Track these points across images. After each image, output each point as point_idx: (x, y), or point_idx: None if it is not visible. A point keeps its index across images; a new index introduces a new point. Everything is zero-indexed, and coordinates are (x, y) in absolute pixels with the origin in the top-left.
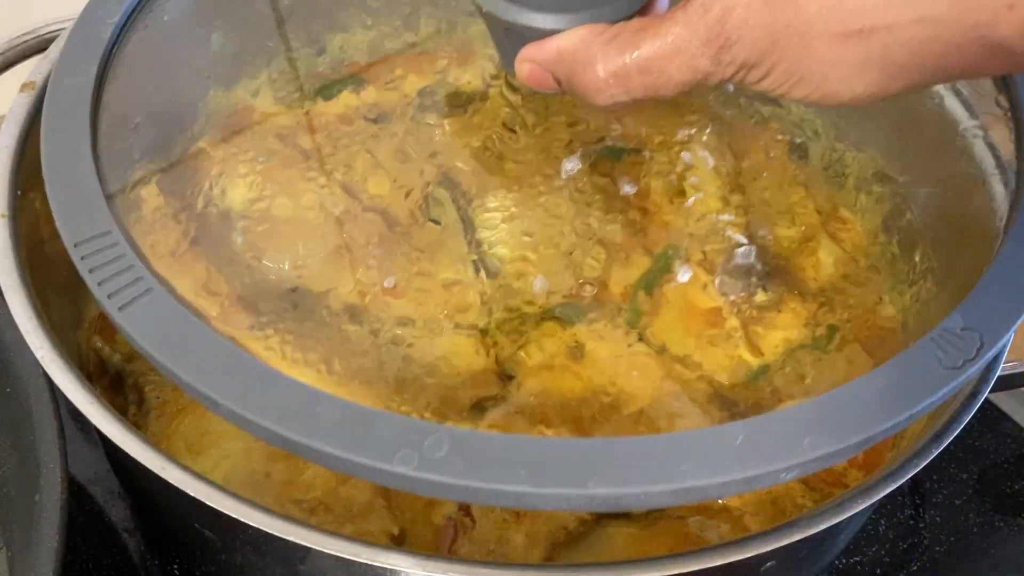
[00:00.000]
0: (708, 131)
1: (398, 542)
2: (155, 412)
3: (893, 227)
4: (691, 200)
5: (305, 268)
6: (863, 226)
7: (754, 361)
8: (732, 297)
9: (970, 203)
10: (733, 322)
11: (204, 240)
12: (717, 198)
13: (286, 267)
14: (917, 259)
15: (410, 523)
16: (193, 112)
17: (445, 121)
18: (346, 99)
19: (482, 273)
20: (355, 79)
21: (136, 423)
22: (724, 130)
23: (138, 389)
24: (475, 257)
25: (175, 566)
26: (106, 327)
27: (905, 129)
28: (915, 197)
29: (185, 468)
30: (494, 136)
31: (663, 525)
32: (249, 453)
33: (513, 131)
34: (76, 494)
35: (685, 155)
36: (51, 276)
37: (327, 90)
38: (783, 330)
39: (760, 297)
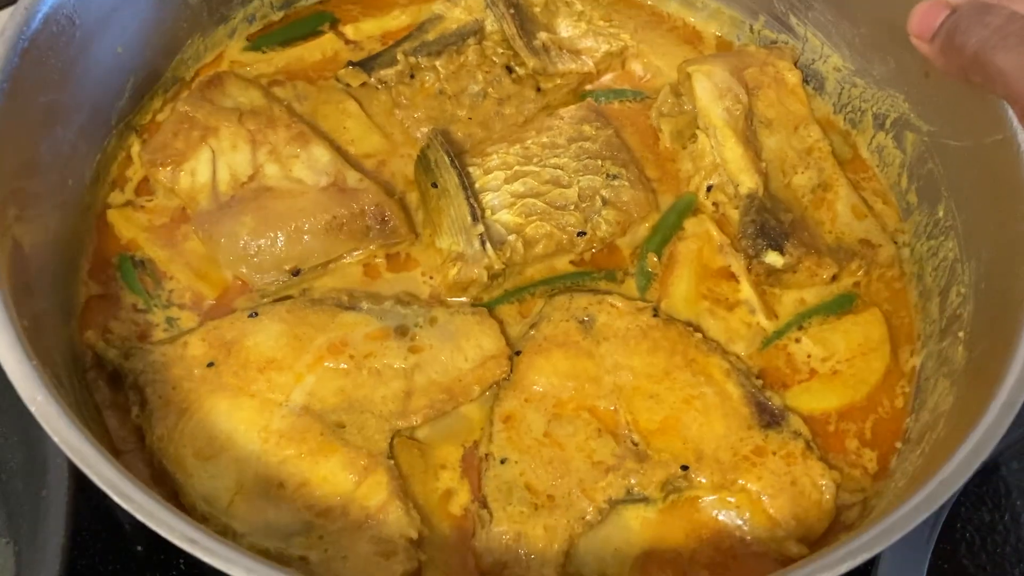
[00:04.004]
0: (718, 64)
1: (416, 546)
2: (158, 413)
3: (914, 175)
4: (702, 146)
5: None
6: (881, 168)
7: (770, 326)
8: (747, 257)
9: (999, 166)
10: (747, 284)
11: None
12: (730, 144)
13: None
14: (940, 214)
15: (427, 519)
16: None
17: (438, 63)
18: (328, 42)
19: (487, 245)
20: (326, 16)
21: (140, 425)
22: (736, 63)
23: (138, 388)
24: (480, 231)
25: (180, 561)
26: (95, 320)
27: (933, 75)
28: (940, 149)
29: (213, 536)
30: (493, 79)
31: (679, 510)
32: (260, 456)
33: (512, 71)
34: (83, 489)
35: (699, 91)
36: (34, 266)
37: (299, 29)
38: (799, 290)
39: (775, 258)
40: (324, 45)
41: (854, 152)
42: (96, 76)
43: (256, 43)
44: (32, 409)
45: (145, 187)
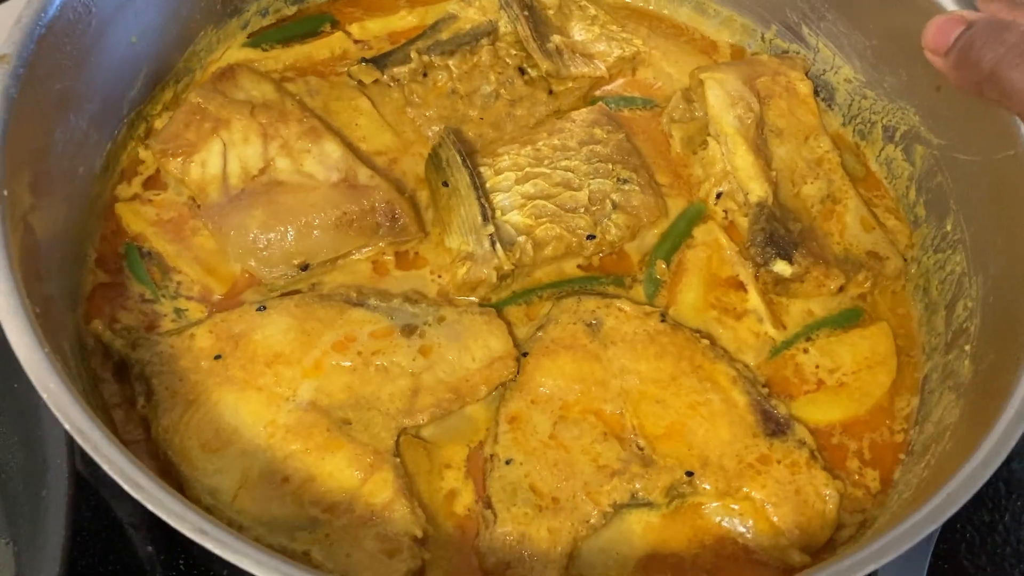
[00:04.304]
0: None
1: (420, 544)
2: (164, 405)
3: (923, 188)
4: (713, 153)
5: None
6: (889, 180)
7: (778, 336)
8: (755, 265)
9: (1009, 181)
10: (755, 293)
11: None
12: (741, 152)
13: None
14: (948, 228)
15: (431, 518)
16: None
17: (451, 63)
18: (337, 40)
19: (497, 245)
20: (326, 17)
21: (145, 416)
22: (749, 71)
23: (145, 379)
24: (490, 231)
25: (180, 561)
26: (102, 309)
27: (944, 89)
28: (950, 163)
29: (223, 528)
30: (505, 80)
31: (683, 516)
32: (266, 450)
33: (525, 72)
34: (83, 489)
35: (711, 99)
36: (43, 252)
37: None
38: (805, 300)
39: (783, 267)
40: (332, 43)
41: (866, 170)
42: (109, 65)
43: (255, 41)
44: (44, 396)
45: (153, 182)
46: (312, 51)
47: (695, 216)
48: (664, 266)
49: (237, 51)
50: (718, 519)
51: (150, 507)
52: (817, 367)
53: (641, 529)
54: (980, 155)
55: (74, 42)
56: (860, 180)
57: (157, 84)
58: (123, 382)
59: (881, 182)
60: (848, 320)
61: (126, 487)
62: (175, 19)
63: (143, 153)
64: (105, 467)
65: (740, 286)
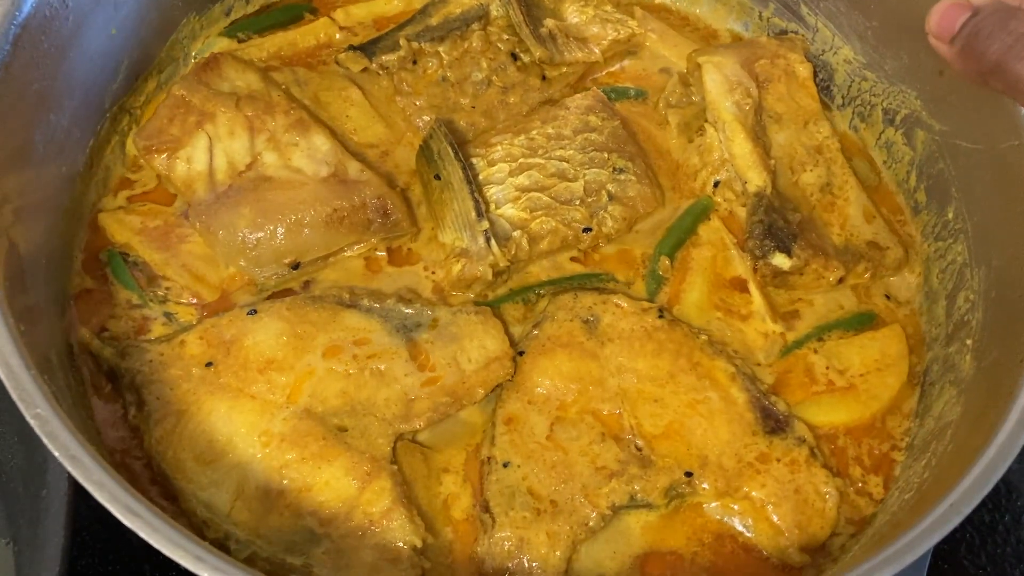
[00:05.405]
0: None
1: (420, 553)
2: (156, 415)
3: (923, 173)
4: (710, 141)
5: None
6: (889, 165)
7: (785, 332)
8: (753, 258)
9: (1014, 172)
10: (754, 286)
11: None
12: (739, 140)
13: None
14: (950, 216)
15: (430, 524)
16: None
17: (441, 49)
18: (322, 27)
19: (492, 242)
20: (303, 6)
21: (137, 426)
22: (747, 54)
23: (135, 389)
24: (485, 227)
25: None
26: (91, 316)
27: (947, 74)
28: (952, 150)
29: (219, 556)
30: (497, 66)
31: (682, 515)
32: (261, 461)
33: (517, 58)
34: (82, 489)
35: (709, 84)
36: (28, 261)
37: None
38: (807, 293)
39: (782, 260)
40: (317, 30)
41: (879, 179)
42: (89, 59)
43: (230, 30)
44: (33, 424)
45: (143, 196)
46: (296, 38)
47: (701, 212)
48: (668, 263)
49: (219, 39)
50: (718, 519)
51: (144, 536)
52: (828, 368)
53: (640, 528)
54: (983, 143)
55: (51, 39)
56: (873, 190)
57: (139, 75)
58: (115, 392)
59: (895, 198)
60: (861, 323)
61: (120, 516)
62: (156, 7)
63: (133, 176)
64: (97, 494)
65: (744, 288)
